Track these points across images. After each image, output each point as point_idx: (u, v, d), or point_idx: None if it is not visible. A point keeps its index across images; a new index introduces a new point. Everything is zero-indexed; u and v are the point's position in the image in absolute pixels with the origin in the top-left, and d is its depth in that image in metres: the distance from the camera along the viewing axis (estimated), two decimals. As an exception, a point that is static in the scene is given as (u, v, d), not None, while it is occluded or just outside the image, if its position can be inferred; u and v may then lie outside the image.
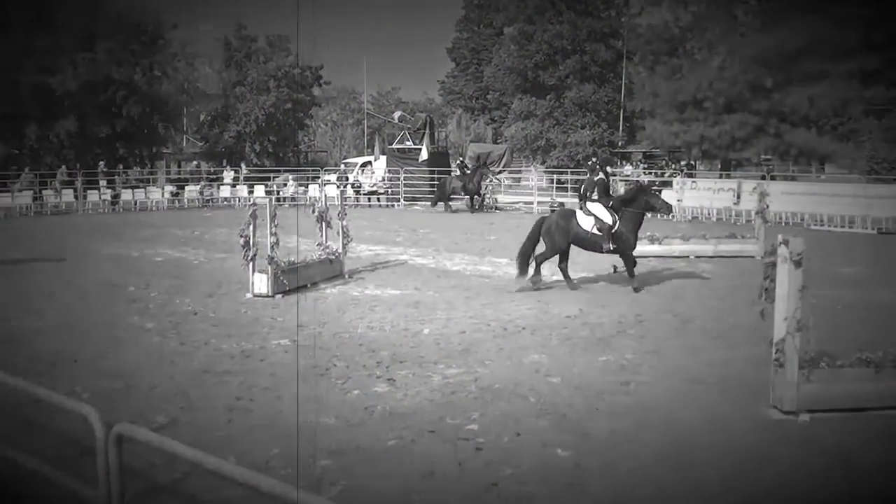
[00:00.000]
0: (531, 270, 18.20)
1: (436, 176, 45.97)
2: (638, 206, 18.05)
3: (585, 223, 17.74)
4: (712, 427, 9.13)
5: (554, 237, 17.85)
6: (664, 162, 53.88)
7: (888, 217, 33.26)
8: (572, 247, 18.14)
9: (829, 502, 7.37)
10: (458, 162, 45.61)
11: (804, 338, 9.32)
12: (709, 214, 37.73)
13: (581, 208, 18.22)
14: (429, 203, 43.99)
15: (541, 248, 18.13)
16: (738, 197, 36.55)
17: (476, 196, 41.32)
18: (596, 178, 18.40)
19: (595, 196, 18.06)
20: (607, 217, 17.65)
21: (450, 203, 42.02)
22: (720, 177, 45.60)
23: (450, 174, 44.72)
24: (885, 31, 72.43)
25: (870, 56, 54.66)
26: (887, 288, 18.35)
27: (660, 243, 23.38)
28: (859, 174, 47.58)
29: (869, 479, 7.80)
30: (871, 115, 64.51)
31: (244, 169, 50.03)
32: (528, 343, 12.97)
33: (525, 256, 18.10)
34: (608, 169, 20.82)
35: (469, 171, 42.08)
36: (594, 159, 22.62)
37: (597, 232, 17.54)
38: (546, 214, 21.28)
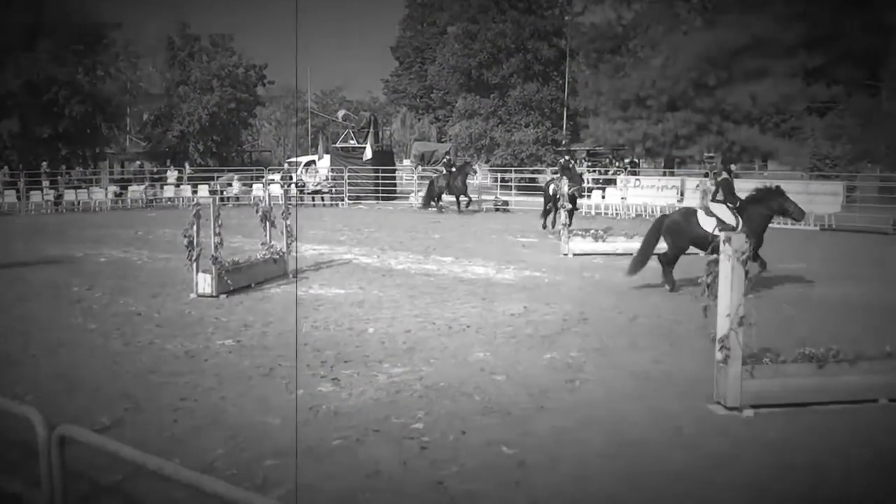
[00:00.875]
0: (662, 273, 18.17)
1: (379, 175, 45.94)
2: (767, 208, 17.94)
3: (707, 224, 17.54)
4: (657, 423, 9.19)
5: (674, 237, 17.76)
6: (608, 160, 54.16)
7: (830, 214, 33.67)
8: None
9: (772, 496, 7.43)
10: (445, 160, 43.32)
11: (747, 334, 9.40)
12: (653, 212, 37.88)
13: (702, 208, 18.15)
14: (374, 201, 43.99)
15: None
16: (682, 194, 36.81)
17: (462, 196, 39.76)
18: (720, 179, 18.35)
19: (720, 196, 17.94)
20: (730, 218, 17.46)
21: (440, 203, 40.73)
22: (664, 174, 45.93)
23: (437, 173, 42.93)
24: (826, 29, 73.41)
25: (812, 54, 55.31)
26: (829, 284, 18.59)
27: (604, 241, 23.51)
28: (802, 171, 48.14)
29: (811, 473, 7.87)
30: (813, 112, 65.32)
31: (188, 169, 49.72)
32: (473, 341, 12.98)
33: (644, 256, 17.95)
34: (732, 168, 20.38)
35: (455, 170, 40.08)
36: (714, 161, 22.57)
37: (717, 233, 17.39)
38: (666, 213, 21.05)
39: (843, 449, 8.50)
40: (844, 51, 77.89)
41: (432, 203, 40.73)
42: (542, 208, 31.76)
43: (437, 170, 46.93)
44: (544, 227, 30.51)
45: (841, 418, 9.36)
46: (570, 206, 24.99)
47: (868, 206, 37.62)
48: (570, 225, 23.85)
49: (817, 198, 34.42)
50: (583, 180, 31.86)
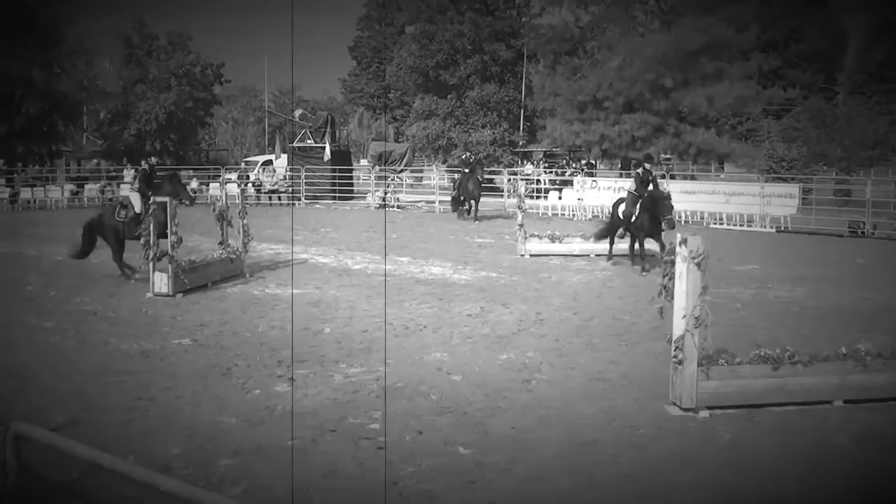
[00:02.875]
0: None
1: (337, 175, 45.87)
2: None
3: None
4: (613, 423, 9.24)
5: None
6: (565, 161, 54.29)
7: (786, 216, 33.94)
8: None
9: (726, 496, 7.48)
10: (462, 158, 39.76)
11: (703, 335, 9.46)
12: (609, 213, 38.06)
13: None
14: (331, 201, 43.98)
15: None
16: (639, 196, 36.95)
17: (473, 200, 35.74)
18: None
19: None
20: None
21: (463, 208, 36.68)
22: (620, 176, 46.08)
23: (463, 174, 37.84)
24: (782, 32, 74.00)
25: (768, 57, 55.75)
26: (785, 285, 18.73)
27: (560, 242, 23.58)
28: (758, 173, 48.49)
29: (766, 473, 7.94)
30: (769, 115, 65.89)
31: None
32: (430, 341, 12.99)
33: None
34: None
35: (468, 172, 35.88)
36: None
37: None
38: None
39: (799, 450, 8.58)
40: (800, 54, 78.70)
41: (461, 209, 36.67)
42: (602, 230, 23.45)
43: (393, 170, 46.92)
44: (609, 258, 22.23)
45: (796, 419, 9.45)
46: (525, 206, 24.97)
47: (824, 208, 37.94)
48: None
49: (773, 200, 34.75)
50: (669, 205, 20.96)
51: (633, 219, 20.66)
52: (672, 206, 20.16)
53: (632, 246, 21.29)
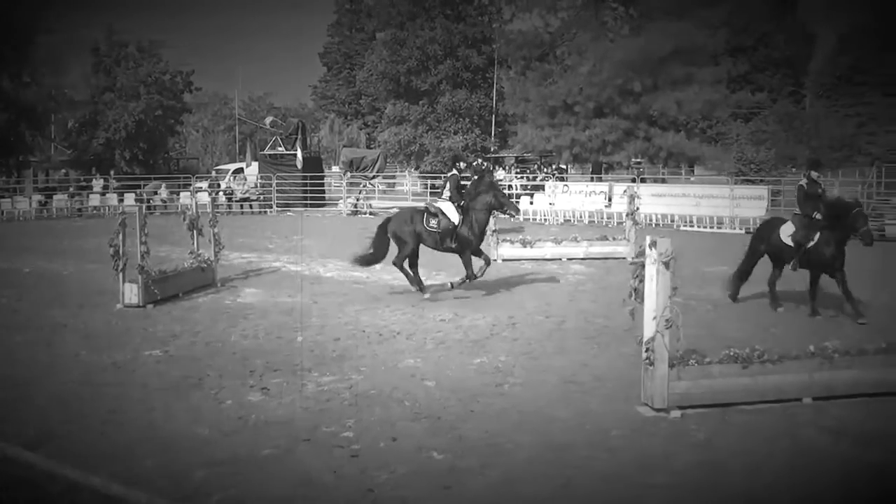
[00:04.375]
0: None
1: (309, 182, 45.83)
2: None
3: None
4: (585, 426, 9.26)
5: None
6: (536, 166, 54.45)
7: (755, 217, 34.14)
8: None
9: (699, 496, 7.52)
10: (477, 162, 36.62)
11: (673, 336, 9.51)
12: (581, 217, 38.24)
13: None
14: (302, 208, 43.91)
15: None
16: (610, 200, 37.15)
17: None
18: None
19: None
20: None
21: None
22: (591, 180, 46.28)
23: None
24: (751, 37, 74.48)
25: (737, 62, 56.13)
26: (753, 286, 18.81)
27: (532, 246, 23.66)
28: (727, 176, 48.80)
29: (738, 472, 7.98)
30: (738, 118, 66.35)
31: (112, 178, 49.07)
32: (403, 348, 12.99)
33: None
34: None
35: (476, 179, 32.66)
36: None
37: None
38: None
39: (771, 447, 8.64)
40: (769, 58, 79.18)
41: None
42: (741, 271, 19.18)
43: (365, 176, 46.89)
44: (775, 305, 17.17)
45: (767, 417, 9.53)
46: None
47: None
48: None
49: (743, 202, 35.11)
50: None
51: (811, 246, 16.11)
52: (866, 217, 16.82)
53: (813, 288, 16.26)
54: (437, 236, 17.52)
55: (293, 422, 9.42)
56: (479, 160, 30.70)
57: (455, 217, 17.53)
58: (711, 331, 13.72)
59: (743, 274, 17.34)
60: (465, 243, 17.43)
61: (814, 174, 16.72)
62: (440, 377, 11.22)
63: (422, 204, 18.93)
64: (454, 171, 18.59)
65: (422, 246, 17.65)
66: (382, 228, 18.14)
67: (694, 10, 47.92)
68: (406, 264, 17.84)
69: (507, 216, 18.62)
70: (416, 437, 8.88)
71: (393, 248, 18.01)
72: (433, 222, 17.56)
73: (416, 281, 17.89)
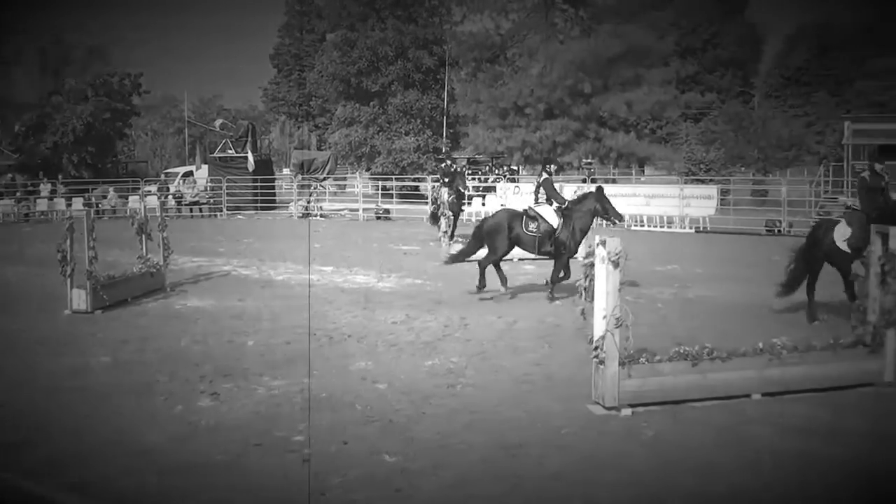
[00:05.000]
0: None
1: (259, 185, 45.65)
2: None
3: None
4: (537, 425, 9.29)
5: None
6: (488, 167, 54.58)
7: (705, 216, 34.48)
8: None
9: (651, 493, 7.55)
10: (445, 164, 31.18)
11: (624, 335, 9.56)
12: (798, 251, 38.29)
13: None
14: (253, 211, 43.79)
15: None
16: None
17: (452, 215, 28.89)
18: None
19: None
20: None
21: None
22: (464, 173, 46.44)
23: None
24: (700, 39, 75.11)
25: (686, 63, 56.57)
26: (703, 284, 19.00)
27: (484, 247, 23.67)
28: (677, 176, 49.18)
29: (688, 468, 8.03)
30: (687, 118, 66.86)
31: (60, 182, 48.56)
32: (354, 350, 12.95)
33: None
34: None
35: (449, 179, 28.91)
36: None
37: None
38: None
39: (720, 443, 8.73)
40: (718, 59, 79.85)
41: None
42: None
43: (315, 178, 46.76)
44: (812, 318, 16.46)
45: (717, 413, 9.63)
46: (450, 213, 25.04)
47: (741, 208, 38.67)
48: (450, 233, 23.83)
49: (692, 201, 35.37)
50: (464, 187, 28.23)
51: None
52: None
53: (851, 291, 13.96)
54: (536, 240, 17.39)
55: (244, 427, 9.36)
56: (448, 162, 29.93)
57: (555, 221, 17.39)
58: (662, 329, 13.77)
59: (812, 292, 15.23)
60: (563, 248, 17.28)
61: (878, 166, 14.89)
62: (392, 379, 11.20)
63: (519, 207, 18.64)
64: (546, 175, 18.32)
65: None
66: (479, 228, 18.24)
67: (643, 12, 48.36)
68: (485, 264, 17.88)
69: (610, 223, 18.39)
70: (368, 440, 8.85)
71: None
72: (532, 226, 17.39)
73: (503, 280, 18.06)
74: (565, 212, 17.37)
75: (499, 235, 17.60)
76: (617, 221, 18.18)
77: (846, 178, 34.39)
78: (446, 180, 28.79)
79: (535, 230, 17.34)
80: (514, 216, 17.74)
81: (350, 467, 8.09)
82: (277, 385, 11.03)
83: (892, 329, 10.56)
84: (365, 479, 7.83)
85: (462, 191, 29.18)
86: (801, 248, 15.69)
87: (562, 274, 17.45)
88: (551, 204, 17.66)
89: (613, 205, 17.91)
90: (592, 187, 19.89)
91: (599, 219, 18.55)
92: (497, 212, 18.99)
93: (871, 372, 10.62)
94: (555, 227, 17.31)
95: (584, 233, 17.39)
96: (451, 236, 28.08)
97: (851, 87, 75.83)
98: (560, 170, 49.94)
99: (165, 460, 8.34)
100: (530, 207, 17.88)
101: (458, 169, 32.34)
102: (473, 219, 38.59)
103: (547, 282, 17.73)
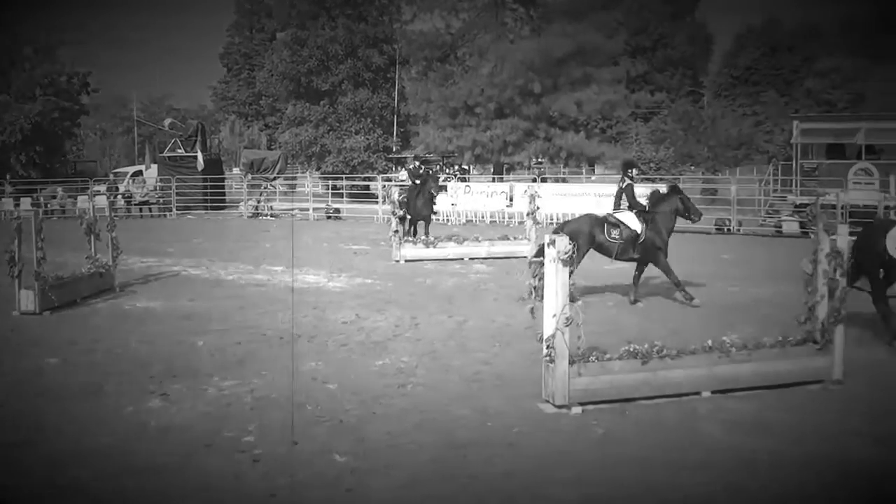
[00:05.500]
0: None
1: (209, 185, 45.43)
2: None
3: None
4: (488, 424, 9.33)
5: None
6: (438, 166, 54.62)
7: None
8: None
9: (601, 490, 7.60)
10: (412, 167, 30.48)
11: (574, 333, 9.60)
12: (482, 217, 38.40)
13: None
14: (203, 211, 43.49)
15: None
16: (511, 199, 37.34)
17: (423, 221, 26.72)
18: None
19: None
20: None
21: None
22: (493, 180, 46.53)
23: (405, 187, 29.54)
24: (650, 38, 75.64)
25: (636, 62, 56.95)
26: (654, 282, 19.09)
27: (434, 247, 23.70)
28: (627, 174, 49.40)
29: (637, 465, 8.09)
30: (637, 118, 67.31)
31: (8, 182, 48.03)
32: (305, 351, 12.91)
33: None
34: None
35: (418, 185, 26.94)
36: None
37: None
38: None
39: (670, 440, 8.83)
40: (668, 59, 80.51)
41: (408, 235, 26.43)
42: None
43: (265, 178, 46.64)
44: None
45: (666, 411, 9.73)
46: (401, 212, 24.96)
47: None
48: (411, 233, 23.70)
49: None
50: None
51: None
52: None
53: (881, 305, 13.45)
54: (620, 247, 17.01)
55: (194, 427, 9.33)
56: (417, 163, 28.39)
57: (637, 226, 17.06)
58: (612, 327, 13.92)
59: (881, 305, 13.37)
60: (654, 251, 16.96)
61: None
62: (342, 379, 11.20)
63: (600, 212, 18.27)
64: (628, 181, 18.15)
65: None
66: (559, 232, 17.75)
67: (593, 12, 48.54)
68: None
69: (690, 220, 18.22)
70: (318, 440, 8.85)
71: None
72: (615, 233, 17.02)
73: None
74: (646, 216, 17.12)
75: (578, 241, 17.09)
76: (696, 219, 18.03)
77: (795, 177, 34.61)
78: (416, 182, 27.32)
79: (617, 237, 17.02)
80: (595, 222, 17.33)
81: (300, 467, 8.07)
82: (227, 385, 10.99)
83: (841, 326, 10.68)
84: (315, 480, 7.83)
85: (433, 194, 26.71)
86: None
87: (675, 277, 17.08)
88: (631, 209, 17.43)
89: (693, 202, 17.89)
90: (664, 187, 19.87)
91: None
92: (578, 217, 18.68)
93: (820, 369, 10.75)
94: (638, 232, 17.00)
95: (670, 233, 17.31)
96: (414, 234, 26.62)
97: (800, 87, 76.83)
98: (511, 169, 50.22)
99: (115, 462, 8.29)
100: (611, 214, 17.64)
101: (430, 171, 31.04)
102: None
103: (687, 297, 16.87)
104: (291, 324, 14.72)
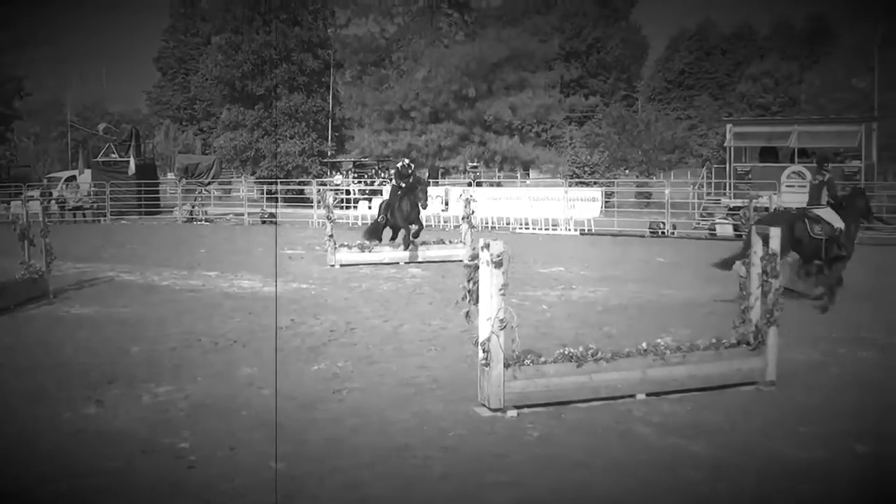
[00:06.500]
0: None
1: (143, 190, 45.11)
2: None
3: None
4: (424, 427, 9.36)
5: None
6: (374, 171, 54.64)
7: (590, 219, 34.98)
8: None
9: (535, 492, 7.68)
10: (401, 164, 25.41)
11: (508, 337, 9.68)
12: (418, 221, 38.46)
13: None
14: (137, 216, 43.18)
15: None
16: (446, 203, 37.44)
17: (412, 225, 24.00)
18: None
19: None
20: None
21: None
22: (428, 184, 46.61)
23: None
24: (584, 42, 76.18)
25: (570, 66, 57.39)
26: (589, 285, 19.30)
27: (370, 251, 23.70)
28: (562, 178, 49.80)
29: (572, 468, 8.18)
30: (572, 122, 67.76)
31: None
32: (240, 356, 12.88)
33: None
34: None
35: (404, 187, 24.22)
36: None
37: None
38: None
39: (605, 443, 8.92)
40: (601, 63, 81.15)
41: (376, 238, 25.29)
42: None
43: (200, 182, 46.40)
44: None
45: (601, 414, 9.80)
46: (335, 217, 24.81)
47: (626, 210, 39.37)
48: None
49: (577, 203, 35.88)
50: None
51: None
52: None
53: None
54: (822, 244, 16.44)
55: (130, 434, 9.27)
56: (405, 162, 24.62)
57: (839, 223, 16.50)
58: (547, 331, 14.03)
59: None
60: (846, 251, 16.47)
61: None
62: (278, 385, 11.18)
63: (794, 208, 17.69)
64: (827, 174, 17.39)
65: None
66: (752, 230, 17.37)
67: (527, 17, 48.92)
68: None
69: (869, 224, 17.75)
70: (255, 446, 8.84)
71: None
72: (818, 229, 16.48)
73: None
74: (840, 212, 16.58)
75: (798, 245, 16.72)
76: (874, 222, 17.96)
77: (729, 181, 35.09)
78: (402, 185, 24.17)
79: (820, 233, 16.49)
80: (795, 219, 16.86)
81: (237, 474, 8.08)
82: (163, 391, 10.93)
83: (774, 328, 10.85)
84: (252, 486, 7.82)
85: (421, 206, 23.65)
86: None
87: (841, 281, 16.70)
88: (832, 205, 16.84)
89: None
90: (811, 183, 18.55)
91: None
92: (773, 213, 18.08)
93: (754, 371, 10.89)
94: (841, 228, 16.47)
95: (857, 233, 17.00)
96: (406, 243, 23.75)
97: (733, 91, 77.80)
98: (446, 173, 50.40)
99: (52, 469, 8.24)
100: (808, 209, 17.10)
101: (420, 177, 26.83)
102: (359, 222, 38.68)
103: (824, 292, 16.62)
104: (135, 323, 14.71)
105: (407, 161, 25.38)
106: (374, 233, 25.16)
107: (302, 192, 51.94)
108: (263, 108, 58.91)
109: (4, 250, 20.90)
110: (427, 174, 40.50)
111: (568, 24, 76.67)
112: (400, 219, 23.85)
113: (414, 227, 23.79)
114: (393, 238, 25.01)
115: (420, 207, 23.50)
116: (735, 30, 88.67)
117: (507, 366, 9.69)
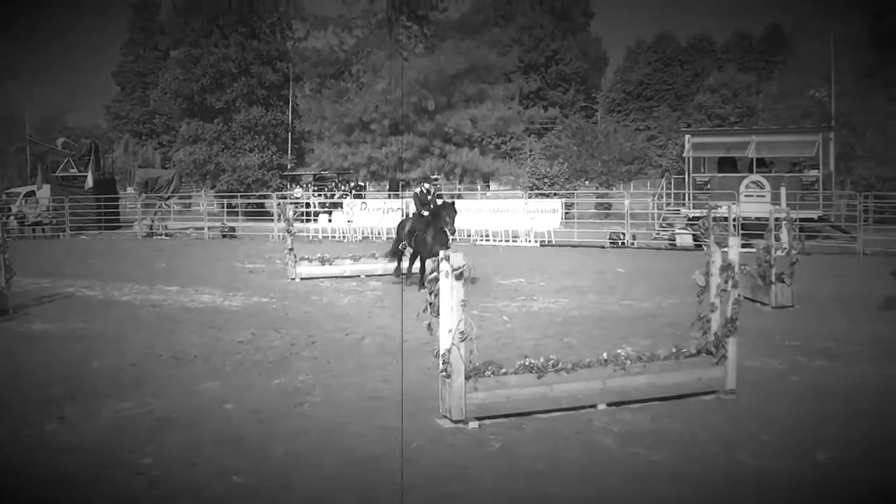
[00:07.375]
0: None
1: (103, 204, 44.87)
2: None
3: None
4: (387, 440, 9.36)
5: None
6: (334, 183, 54.61)
7: (550, 230, 35.12)
8: None
9: (495, 502, 7.73)
10: (420, 190, 23.21)
11: (469, 348, 9.73)
12: (379, 234, 38.48)
13: None
14: (96, 231, 42.93)
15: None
16: (408, 216, 37.49)
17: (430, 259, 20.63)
18: None
19: None
20: None
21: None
22: (389, 197, 46.65)
23: (408, 215, 26.91)
24: (543, 54, 76.49)
25: (529, 78, 57.66)
26: (549, 297, 19.40)
27: (330, 264, 23.71)
28: (522, 190, 49.99)
29: (535, 477, 8.23)
30: (531, 133, 68.01)
31: None
32: (202, 371, 12.86)
33: None
34: None
35: (427, 215, 22.07)
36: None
37: None
38: None
39: (566, 453, 8.96)
40: (560, 75, 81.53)
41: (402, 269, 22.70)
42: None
43: (160, 197, 46.26)
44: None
45: (562, 424, 9.86)
46: (295, 231, 24.81)
47: (586, 221, 39.53)
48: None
49: (537, 215, 36.08)
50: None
51: None
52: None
53: None
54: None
55: (91, 450, 9.23)
56: (426, 185, 21.82)
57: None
58: (508, 342, 14.09)
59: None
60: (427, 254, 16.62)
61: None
62: (240, 399, 11.18)
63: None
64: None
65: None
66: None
67: (485, 29, 49.09)
68: None
69: None
70: (217, 460, 8.82)
71: None
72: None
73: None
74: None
75: None
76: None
77: (688, 191, 35.27)
78: (424, 213, 22.24)
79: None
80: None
81: (199, 488, 8.06)
82: (124, 407, 10.89)
83: (733, 338, 10.95)
84: (215, 501, 7.82)
85: (450, 233, 21.32)
86: None
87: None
88: None
89: None
90: None
91: None
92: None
93: (714, 380, 10.98)
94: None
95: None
96: (422, 273, 21.18)
97: (692, 101, 78.35)
98: (407, 186, 50.46)
99: (10, 487, 8.21)
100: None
101: (447, 201, 22.82)
102: (320, 235, 38.66)
103: None
104: (95, 338, 14.67)
105: (427, 186, 23.16)
106: (394, 255, 23.06)
107: (262, 205, 51.79)
108: (223, 122, 58.81)
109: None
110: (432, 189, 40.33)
111: (526, 35, 77.06)
112: (424, 252, 21.50)
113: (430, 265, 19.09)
114: (418, 264, 22.33)
115: (448, 234, 21.19)
116: (693, 41, 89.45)
117: (468, 377, 9.73)
